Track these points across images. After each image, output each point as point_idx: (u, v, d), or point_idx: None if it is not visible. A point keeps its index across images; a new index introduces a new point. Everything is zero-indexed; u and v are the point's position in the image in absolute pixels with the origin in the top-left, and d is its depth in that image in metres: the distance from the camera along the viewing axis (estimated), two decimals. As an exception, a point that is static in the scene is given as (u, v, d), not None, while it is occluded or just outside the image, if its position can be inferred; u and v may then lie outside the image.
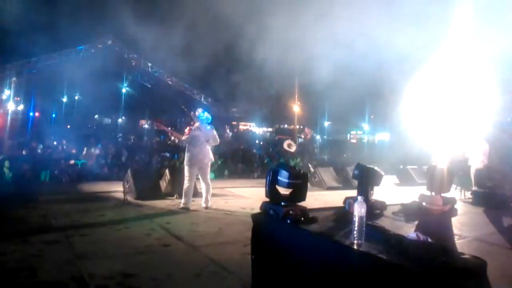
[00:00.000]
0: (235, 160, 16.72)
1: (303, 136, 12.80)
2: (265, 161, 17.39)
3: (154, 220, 6.18)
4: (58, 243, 4.74)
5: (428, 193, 3.25)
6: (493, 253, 2.70)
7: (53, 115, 35.78)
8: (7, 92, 29.31)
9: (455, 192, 6.92)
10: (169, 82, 35.52)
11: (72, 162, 11.91)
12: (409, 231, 2.81)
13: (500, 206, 4.81)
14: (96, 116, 41.09)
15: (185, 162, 7.27)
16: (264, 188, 3.22)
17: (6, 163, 10.71)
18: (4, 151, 12.48)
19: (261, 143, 29.58)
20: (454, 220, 3.01)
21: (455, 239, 2.74)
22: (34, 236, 4.89)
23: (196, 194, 7.73)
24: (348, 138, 45.10)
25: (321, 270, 2.50)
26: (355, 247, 2.31)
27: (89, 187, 9.25)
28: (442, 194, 3.19)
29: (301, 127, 15.02)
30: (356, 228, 2.34)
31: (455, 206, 3.25)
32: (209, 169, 7.46)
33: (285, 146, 10.26)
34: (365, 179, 3.12)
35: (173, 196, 8.05)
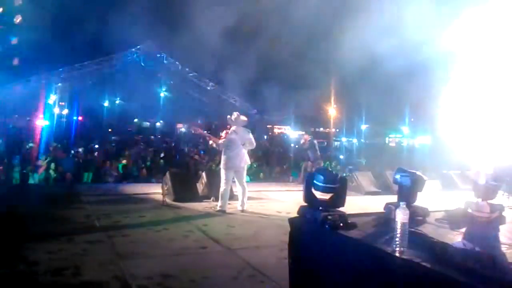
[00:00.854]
0: (271, 164, 16.73)
1: (302, 142, 13.29)
2: (300, 165, 17.25)
3: (192, 222, 6.28)
4: (101, 243, 4.92)
5: (474, 199, 3.11)
6: (547, 264, 2.53)
7: (95, 119, 37.21)
8: (52, 97, 30.76)
9: (503, 199, 6.58)
10: (207, 87, 36.08)
11: (113, 164, 12.32)
12: (454, 238, 2.69)
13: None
14: (136, 119, 42.35)
15: (221, 166, 7.34)
16: (299, 192, 3.19)
17: (52, 165, 11.25)
18: (50, 153, 13.09)
19: (296, 146, 29.40)
20: (503, 228, 2.86)
21: (505, 248, 2.60)
22: (78, 235, 5.10)
23: (232, 197, 7.79)
24: (387, 142, 44.00)
25: (360, 278, 2.44)
26: (397, 254, 2.24)
27: (129, 189, 9.52)
28: (489, 201, 3.05)
29: (304, 132, 15.56)
30: (398, 235, 2.26)
31: (504, 214, 3.09)
32: (245, 172, 7.50)
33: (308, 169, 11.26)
34: (407, 184, 3.02)
35: (210, 198, 8.15)
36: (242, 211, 7.20)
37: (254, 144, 7.65)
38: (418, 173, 3.12)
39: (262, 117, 37.68)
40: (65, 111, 35.27)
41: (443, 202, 4.75)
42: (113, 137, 23.08)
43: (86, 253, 4.42)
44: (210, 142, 7.53)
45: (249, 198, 7.67)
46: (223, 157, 7.31)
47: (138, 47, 33.29)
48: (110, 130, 29.83)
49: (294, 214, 3.26)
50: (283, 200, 8.65)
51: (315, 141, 13.42)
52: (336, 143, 37.09)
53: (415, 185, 3.00)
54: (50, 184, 10.77)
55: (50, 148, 14.43)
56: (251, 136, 7.51)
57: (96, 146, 17.50)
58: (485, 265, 1.94)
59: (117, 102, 39.88)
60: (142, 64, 35.07)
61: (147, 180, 12.05)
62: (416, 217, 3.06)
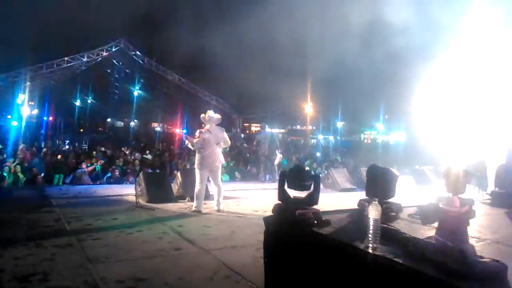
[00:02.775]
0: (247, 162, 16.68)
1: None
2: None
3: (166, 223, 6.16)
4: (71, 247, 4.75)
5: (445, 194, 3.15)
6: (514, 256, 2.59)
7: (66, 119, 36.25)
8: (21, 97, 29.70)
9: (473, 193, 6.75)
10: (181, 85, 35.60)
11: (84, 166, 12.00)
12: (426, 233, 2.72)
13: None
14: (109, 119, 41.51)
15: (196, 165, 7.24)
16: (275, 190, 3.16)
17: (18, 168, 10.85)
18: (18, 155, 12.64)
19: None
20: (472, 222, 2.91)
21: (474, 241, 2.64)
22: (47, 240, 4.92)
23: (208, 196, 7.71)
24: (362, 139, 44.74)
25: (334, 274, 2.43)
26: (370, 250, 2.24)
27: (102, 191, 9.29)
28: (460, 195, 3.10)
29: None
30: (371, 231, 2.27)
31: (473, 208, 3.15)
32: (220, 171, 7.42)
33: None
34: (379, 180, 3.03)
35: (185, 199, 8.03)
36: (218, 210, 7.13)
37: (229, 142, 7.59)
38: (391, 169, 3.14)
39: (239, 115, 37.61)
40: (35, 111, 34.21)
41: (416, 197, 4.83)
42: (84, 138, 22.52)
43: (55, 258, 4.26)
44: (186, 142, 7.41)
45: (225, 198, 7.60)
46: (197, 157, 7.21)
47: (111, 44, 32.48)
48: (81, 130, 29.08)
49: (270, 212, 3.23)
50: (260, 199, 8.62)
51: (271, 134, 13.59)
52: (312, 140, 37.45)
53: (386, 181, 3.01)
54: (18, 187, 10.38)
55: (18, 150, 13.90)
56: (225, 134, 7.44)
57: (67, 147, 17.03)
58: (455, 259, 1.96)
59: (89, 101, 38.97)
60: (115, 62, 34.34)
61: (121, 181, 11.79)
62: (390, 213, 3.08)
